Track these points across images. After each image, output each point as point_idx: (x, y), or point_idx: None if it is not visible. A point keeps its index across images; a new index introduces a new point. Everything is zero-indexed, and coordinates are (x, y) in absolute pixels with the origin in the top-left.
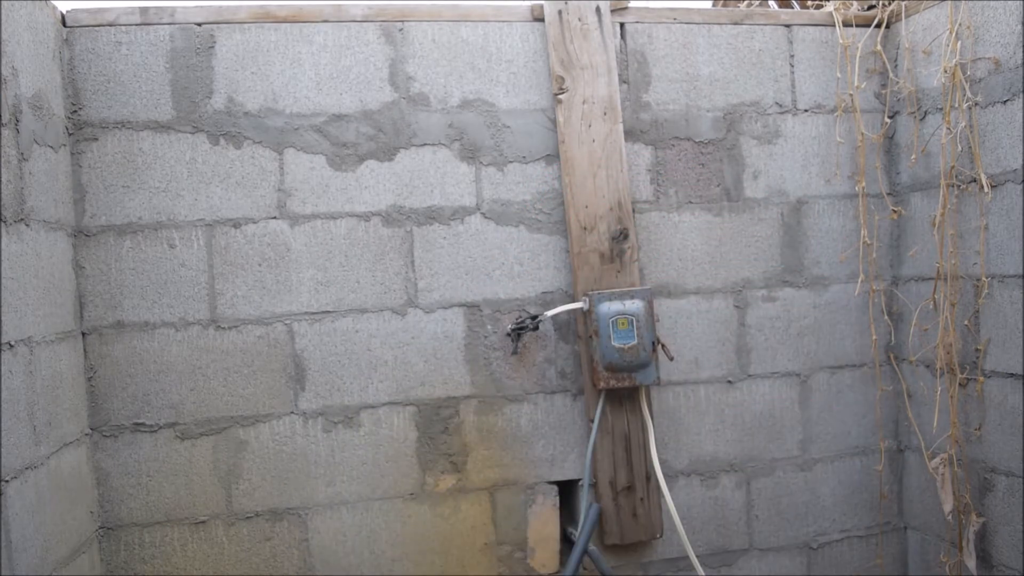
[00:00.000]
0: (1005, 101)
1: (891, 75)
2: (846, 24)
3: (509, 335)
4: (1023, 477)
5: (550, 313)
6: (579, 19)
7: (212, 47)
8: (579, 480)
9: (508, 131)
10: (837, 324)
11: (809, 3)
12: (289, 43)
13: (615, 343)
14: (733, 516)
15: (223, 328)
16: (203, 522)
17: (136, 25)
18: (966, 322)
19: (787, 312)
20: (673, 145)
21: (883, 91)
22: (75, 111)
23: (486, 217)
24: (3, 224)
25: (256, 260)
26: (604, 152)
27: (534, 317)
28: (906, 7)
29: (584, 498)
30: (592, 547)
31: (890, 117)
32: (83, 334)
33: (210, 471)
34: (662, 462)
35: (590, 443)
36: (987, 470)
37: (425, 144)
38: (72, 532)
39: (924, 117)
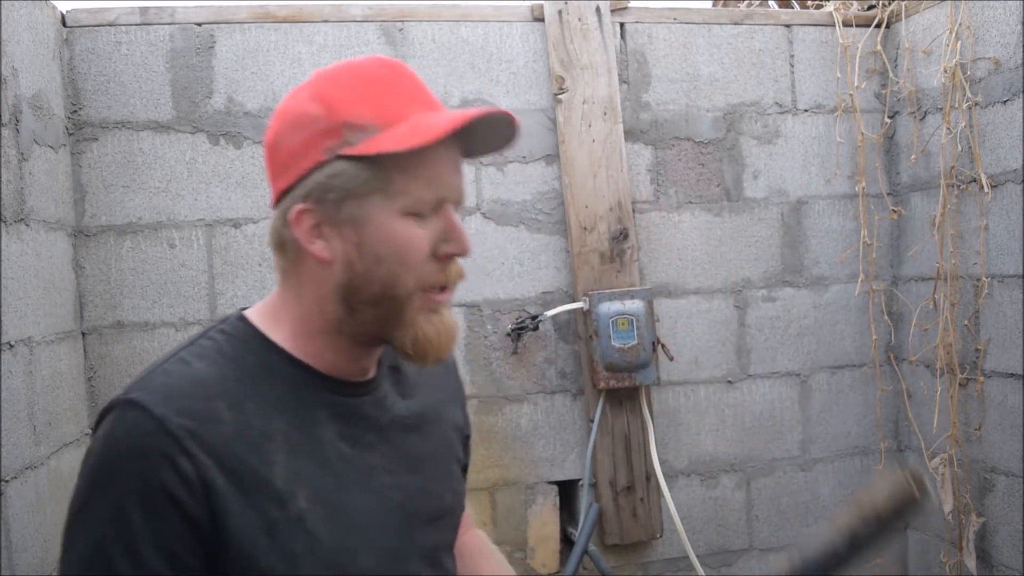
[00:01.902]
0: (1005, 101)
1: (891, 75)
2: (846, 24)
3: (509, 335)
4: (1023, 477)
5: (550, 313)
6: (579, 19)
7: (212, 47)
8: (579, 480)
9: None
10: (837, 324)
11: (809, 3)
12: (289, 43)
13: (615, 343)
14: (733, 516)
15: None
16: None
17: (136, 25)
18: (966, 322)
19: (787, 312)
20: (673, 145)
21: (883, 91)
22: (75, 111)
23: (486, 217)
24: (3, 224)
25: (256, 260)
26: (604, 152)
27: (534, 317)
28: (906, 7)
29: (584, 498)
30: (592, 547)
31: (890, 117)
32: (83, 334)
33: None
34: (662, 462)
35: (590, 443)
36: (987, 470)
37: None
38: None
39: (924, 117)
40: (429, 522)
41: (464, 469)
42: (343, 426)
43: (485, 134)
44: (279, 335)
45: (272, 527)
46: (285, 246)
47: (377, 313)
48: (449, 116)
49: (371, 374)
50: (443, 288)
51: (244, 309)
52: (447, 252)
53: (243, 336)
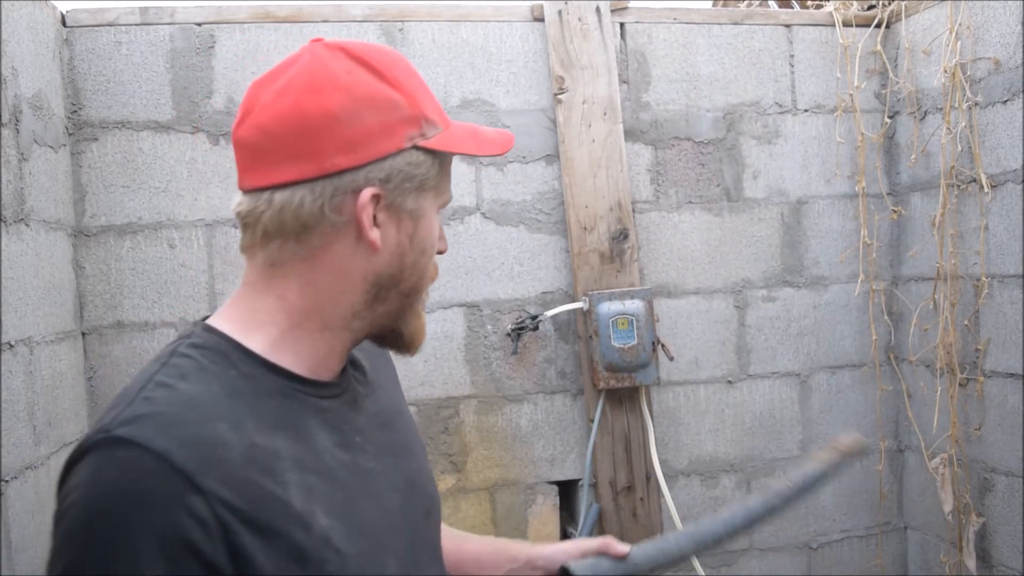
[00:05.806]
0: (1005, 101)
1: (891, 75)
2: (846, 24)
3: (509, 335)
4: (1023, 477)
5: (550, 313)
6: (579, 19)
7: (212, 47)
8: (579, 480)
9: (508, 131)
10: (837, 324)
11: (809, 3)
12: (289, 43)
13: (615, 343)
14: None
15: None
16: None
17: (136, 25)
18: (966, 322)
19: (787, 312)
20: (673, 145)
21: (883, 91)
22: (75, 111)
23: (486, 217)
24: (3, 224)
25: None
26: (604, 152)
27: (534, 317)
28: (906, 7)
29: (584, 498)
30: None
31: (890, 117)
32: (83, 334)
33: None
34: (662, 462)
35: (590, 443)
36: (987, 470)
37: None
38: None
39: (924, 117)
40: (425, 517)
41: None
42: (333, 432)
43: None
44: (256, 341)
45: (301, 553)
46: (309, 231)
47: (403, 304)
48: (499, 135)
49: (338, 373)
50: None
51: (205, 318)
52: (439, 249)
53: (218, 348)
